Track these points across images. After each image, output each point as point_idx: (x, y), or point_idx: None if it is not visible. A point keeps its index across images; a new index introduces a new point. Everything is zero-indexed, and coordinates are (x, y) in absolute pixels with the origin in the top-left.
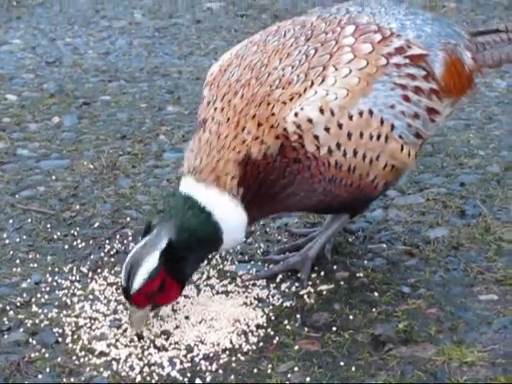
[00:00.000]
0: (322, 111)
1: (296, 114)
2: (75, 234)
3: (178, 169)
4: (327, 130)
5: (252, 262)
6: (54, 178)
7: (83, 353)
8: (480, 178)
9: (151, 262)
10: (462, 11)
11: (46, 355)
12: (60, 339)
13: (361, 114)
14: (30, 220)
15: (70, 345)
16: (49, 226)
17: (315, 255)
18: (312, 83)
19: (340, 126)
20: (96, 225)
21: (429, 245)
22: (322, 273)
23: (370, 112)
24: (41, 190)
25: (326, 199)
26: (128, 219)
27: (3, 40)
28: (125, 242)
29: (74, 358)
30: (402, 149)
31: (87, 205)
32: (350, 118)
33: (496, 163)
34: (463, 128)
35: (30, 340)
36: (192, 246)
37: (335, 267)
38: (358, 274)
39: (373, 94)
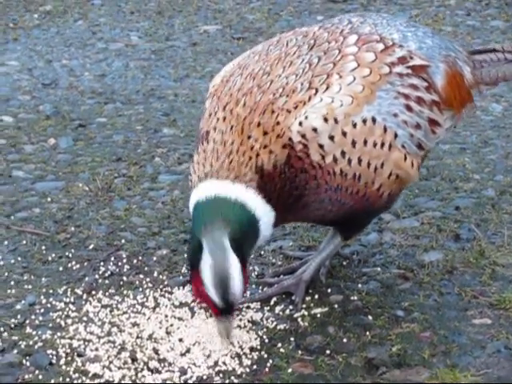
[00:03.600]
0: (325, 120)
1: (300, 123)
2: (70, 255)
3: (173, 191)
4: (331, 138)
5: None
6: (49, 199)
7: (77, 375)
8: (475, 202)
9: (234, 264)
10: (459, 35)
11: (40, 377)
12: (54, 361)
13: (364, 121)
14: (24, 242)
15: (64, 367)
16: (44, 247)
17: (309, 278)
18: (316, 91)
19: (344, 134)
20: (91, 247)
21: (423, 268)
22: (316, 296)
23: (373, 120)
24: (36, 212)
25: (333, 209)
26: (123, 241)
27: None
28: (119, 264)
29: (68, 380)
30: (405, 158)
31: (82, 227)
32: (354, 125)
33: (491, 187)
34: (458, 152)
35: (24, 362)
36: (244, 232)
37: (329, 290)
38: (352, 298)
39: (377, 102)
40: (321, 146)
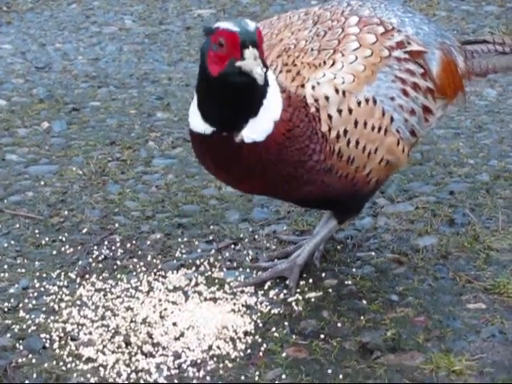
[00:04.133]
0: (336, 91)
1: (313, 88)
2: (63, 239)
3: (167, 175)
4: (340, 112)
5: (240, 269)
6: (42, 183)
7: (70, 359)
8: (469, 187)
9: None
10: (453, 20)
11: (33, 361)
12: (47, 345)
13: (367, 100)
14: (18, 225)
15: (58, 350)
16: (37, 231)
17: (303, 262)
18: (324, 62)
19: (350, 110)
20: (84, 230)
21: (417, 253)
22: (311, 280)
23: (374, 100)
24: (29, 196)
25: (316, 191)
26: (116, 225)
27: None
28: (113, 248)
29: (62, 363)
30: (398, 143)
31: (76, 210)
32: (359, 103)
33: (485, 172)
34: (453, 137)
35: (17, 345)
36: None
37: (324, 275)
38: (346, 282)
39: (376, 84)
40: (329, 117)
